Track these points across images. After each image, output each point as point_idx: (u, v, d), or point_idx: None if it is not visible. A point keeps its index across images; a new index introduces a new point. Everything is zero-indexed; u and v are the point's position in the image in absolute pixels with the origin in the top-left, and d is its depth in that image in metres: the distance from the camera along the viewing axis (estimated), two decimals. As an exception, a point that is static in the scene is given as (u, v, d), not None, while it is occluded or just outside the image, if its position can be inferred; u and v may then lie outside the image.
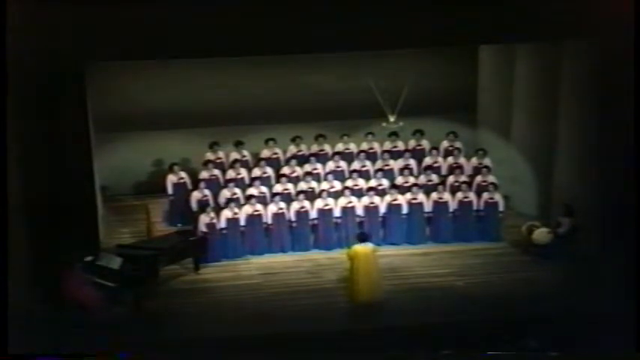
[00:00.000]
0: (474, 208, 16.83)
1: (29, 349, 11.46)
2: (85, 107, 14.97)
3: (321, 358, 12.54)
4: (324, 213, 16.48)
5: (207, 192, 16.87)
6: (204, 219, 15.93)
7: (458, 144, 18.30)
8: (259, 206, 16.36)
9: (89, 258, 14.37)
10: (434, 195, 16.83)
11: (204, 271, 15.71)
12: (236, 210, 16.17)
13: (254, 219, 16.26)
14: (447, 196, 16.83)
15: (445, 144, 18.43)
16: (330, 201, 16.52)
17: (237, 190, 16.79)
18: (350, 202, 16.54)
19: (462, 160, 17.92)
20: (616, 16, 13.85)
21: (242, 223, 16.21)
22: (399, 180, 17.28)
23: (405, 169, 17.42)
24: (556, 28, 14.62)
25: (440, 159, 18.11)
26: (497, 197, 16.78)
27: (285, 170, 17.55)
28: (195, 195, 16.88)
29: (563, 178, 16.75)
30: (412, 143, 18.55)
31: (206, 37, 13.90)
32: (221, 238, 16.05)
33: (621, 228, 14.46)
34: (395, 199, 16.66)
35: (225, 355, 12.83)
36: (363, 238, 14.41)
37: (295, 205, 16.44)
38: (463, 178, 17.21)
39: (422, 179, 17.40)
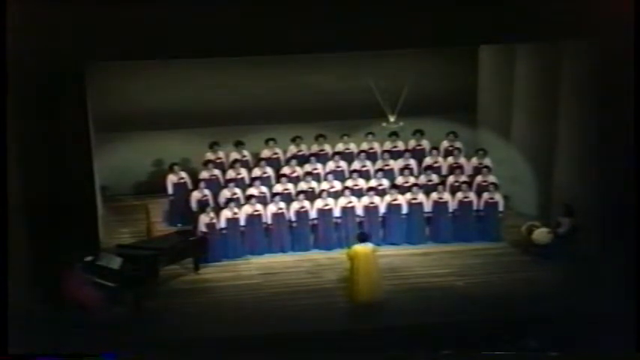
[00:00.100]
0: (474, 208, 16.83)
1: (29, 349, 11.46)
2: (85, 107, 14.96)
3: (321, 358, 12.54)
4: (324, 213, 16.48)
5: (207, 192, 16.87)
6: (204, 219, 15.93)
7: (458, 144, 18.30)
8: (259, 206, 16.36)
9: (89, 258, 14.37)
10: (434, 195, 16.82)
11: (204, 271, 15.71)
12: (236, 210, 16.17)
13: (254, 219, 16.26)
14: (446, 196, 16.83)
15: (445, 144, 18.43)
16: (330, 201, 16.52)
17: (237, 190, 16.79)
18: (350, 202, 16.54)
19: (462, 160, 17.92)
20: (616, 16, 13.86)
21: (242, 223, 16.21)
22: (399, 180, 17.28)
23: (405, 169, 17.43)
24: (556, 28, 14.62)
25: (440, 159, 18.10)
26: (498, 197, 16.78)
27: (286, 170, 17.55)
28: (195, 195, 16.89)
29: (563, 178, 16.75)
30: (412, 143, 18.54)
31: (206, 37, 13.90)
32: (221, 238, 16.05)
33: (621, 228, 14.46)
34: (395, 199, 16.66)
35: (225, 355, 12.83)
36: (363, 238, 14.41)
37: (295, 205, 16.44)
38: (463, 178, 17.21)
39: (422, 179, 17.40)
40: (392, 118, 18.46)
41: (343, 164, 17.82)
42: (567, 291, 14.55)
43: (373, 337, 13.30)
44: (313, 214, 16.49)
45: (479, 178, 17.27)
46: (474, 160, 17.88)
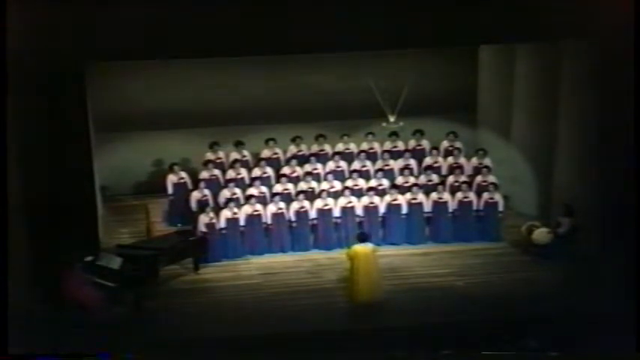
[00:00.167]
0: (474, 208, 16.82)
1: (29, 349, 11.47)
2: (85, 107, 14.95)
3: (321, 358, 12.54)
4: (324, 213, 16.47)
5: (207, 192, 16.87)
6: (204, 219, 15.93)
7: (458, 144, 18.29)
8: (259, 206, 16.36)
9: (89, 258, 14.36)
10: (434, 195, 16.82)
11: (204, 271, 15.71)
12: (236, 210, 16.17)
13: (254, 219, 16.26)
14: (446, 196, 16.82)
15: (445, 144, 18.42)
16: (330, 201, 16.52)
17: (237, 190, 16.78)
18: (350, 202, 16.53)
19: (462, 160, 17.91)
20: (616, 16, 13.87)
21: (242, 223, 16.20)
22: (399, 180, 17.27)
23: (405, 169, 17.42)
24: (556, 28, 14.63)
25: (440, 159, 18.10)
26: (498, 197, 16.78)
27: (286, 170, 17.55)
28: (195, 195, 16.88)
29: (563, 178, 16.75)
30: (412, 143, 18.54)
31: (206, 37, 13.92)
32: (221, 238, 16.05)
33: (621, 228, 14.47)
34: (395, 199, 16.66)
35: (225, 355, 12.83)
36: (362, 238, 14.40)
37: (295, 205, 16.44)
38: (463, 178, 17.20)
39: (422, 179, 17.39)
40: (392, 118, 18.46)
41: (343, 164, 17.81)
42: (567, 291, 14.55)
43: (373, 337, 13.29)
44: (313, 214, 16.49)
45: (479, 178, 17.27)
46: (474, 160, 17.87)
